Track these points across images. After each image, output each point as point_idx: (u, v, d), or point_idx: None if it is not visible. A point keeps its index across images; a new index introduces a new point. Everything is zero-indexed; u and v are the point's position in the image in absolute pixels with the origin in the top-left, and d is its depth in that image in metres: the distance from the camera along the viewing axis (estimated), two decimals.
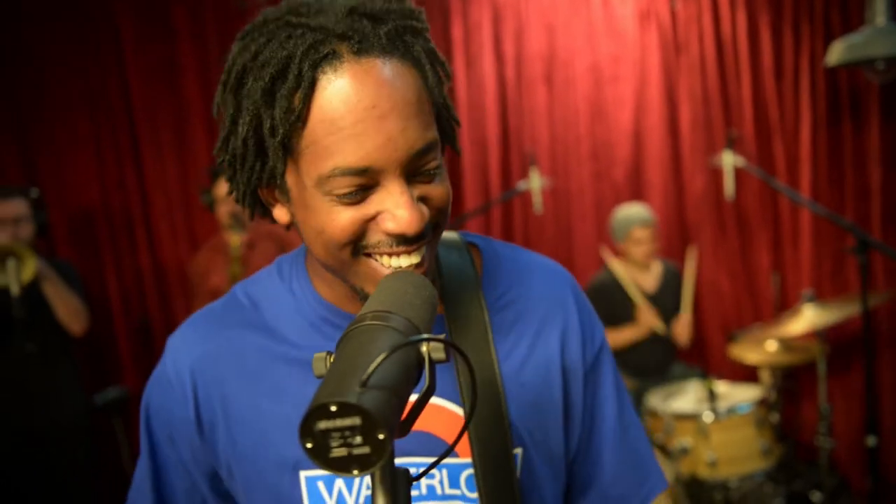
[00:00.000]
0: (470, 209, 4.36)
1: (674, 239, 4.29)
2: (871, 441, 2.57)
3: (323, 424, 0.57)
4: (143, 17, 3.98)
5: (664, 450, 3.08)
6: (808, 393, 3.87)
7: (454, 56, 4.48)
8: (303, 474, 0.89)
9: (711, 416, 2.91)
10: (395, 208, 0.76)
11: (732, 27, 4.05)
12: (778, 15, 3.91)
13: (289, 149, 0.78)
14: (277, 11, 0.79)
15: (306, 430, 0.57)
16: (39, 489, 3.00)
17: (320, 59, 0.75)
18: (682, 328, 3.60)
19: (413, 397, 0.65)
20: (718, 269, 4.19)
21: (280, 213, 0.86)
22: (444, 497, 0.89)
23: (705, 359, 4.16)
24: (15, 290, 2.39)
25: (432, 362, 0.63)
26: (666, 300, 3.69)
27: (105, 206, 3.98)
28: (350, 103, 0.74)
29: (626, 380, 3.50)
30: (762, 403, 3.01)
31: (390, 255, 0.80)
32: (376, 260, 0.81)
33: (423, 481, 0.89)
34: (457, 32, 4.45)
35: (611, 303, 3.58)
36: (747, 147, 4.01)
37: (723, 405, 2.95)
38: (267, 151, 0.79)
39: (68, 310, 2.97)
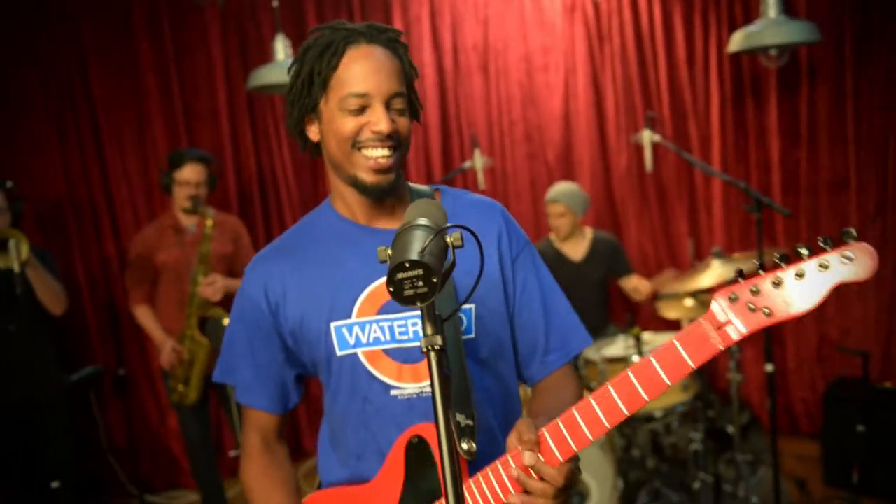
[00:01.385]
0: None
1: (602, 211, 4.69)
2: (769, 368, 3.03)
3: (400, 275, 0.96)
4: (103, 18, 4.16)
5: None
6: None
7: None
8: (332, 324, 1.34)
9: (638, 358, 3.33)
10: (377, 117, 1.27)
11: (650, 19, 4.40)
12: (689, 8, 4.29)
13: (325, 85, 1.29)
14: (330, 24, 1.34)
15: (390, 280, 0.97)
16: (23, 456, 3.21)
17: (348, 40, 1.29)
18: (635, 285, 4.03)
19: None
20: (642, 237, 4.61)
21: (313, 132, 1.36)
22: (420, 337, 1.28)
23: (634, 317, 4.58)
24: (17, 268, 2.60)
25: (453, 246, 1.04)
26: (593, 267, 4.06)
27: (71, 196, 4.15)
28: (361, 61, 1.28)
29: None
30: None
31: (373, 147, 1.29)
32: (365, 151, 1.29)
33: (409, 328, 1.33)
34: (398, 25, 4.73)
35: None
36: (665, 127, 4.42)
37: (647, 349, 3.38)
38: (313, 87, 1.30)
39: (50, 293, 3.18)
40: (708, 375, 3.88)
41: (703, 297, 3.76)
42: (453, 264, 1.04)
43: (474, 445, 1.24)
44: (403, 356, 1.32)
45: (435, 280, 0.95)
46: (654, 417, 3.38)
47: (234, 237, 3.61)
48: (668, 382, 1.08)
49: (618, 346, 3.53)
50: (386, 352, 1.33)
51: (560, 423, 1.15)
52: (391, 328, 1.32)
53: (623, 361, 3.36)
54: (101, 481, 4.17)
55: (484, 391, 1.36)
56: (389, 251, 1.02)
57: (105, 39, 4.17)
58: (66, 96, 4.13)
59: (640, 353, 3.32)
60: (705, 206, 4.42)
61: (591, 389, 3.51)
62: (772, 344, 4.08)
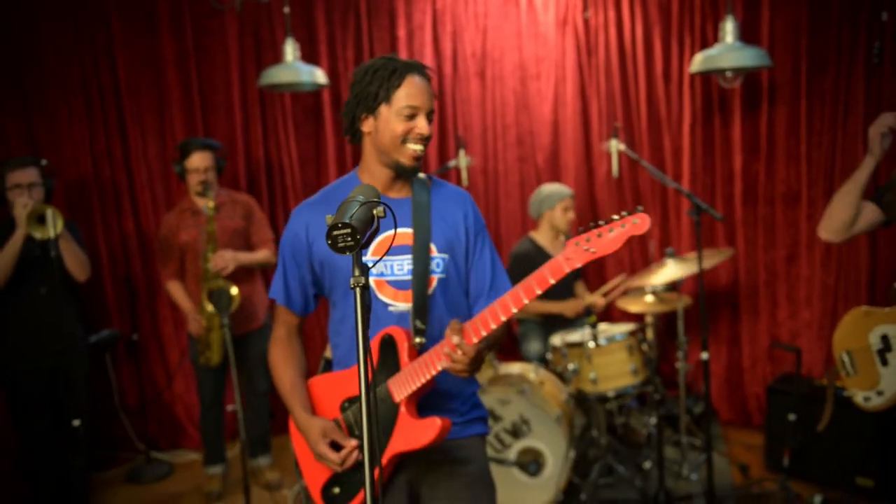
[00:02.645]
0: None
1: (584, 213, 5.05)
2: (704, 356, 3.41)
3: (335, 232, 1.41)
4: (131, 13, 4.56)
5: (562, 377, 3.88)
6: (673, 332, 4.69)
7: (399, 53, 5.15)
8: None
9: (593, 344, 3.72)
10: (422, 125, 1.88)
11: (632, 37, 4.75)
12: (667, 28, 4.63)
13: (387, 97, 1.86)
14: (385, 58, 1.91)
15: (328, 235, 1.41)
16: (48, 402, 3.64)
17: (407, 71, 1.87)
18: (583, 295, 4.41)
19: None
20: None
21: (367, 125, 1.91)
22: (411, 273, 1.93)
23: (608, 312, 4.94)
24: (53, 234, 3.01)
25: (378, 216, 1.49)
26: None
27: (96, 176, 4.55)
28: (417, 86, 1.87)
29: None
30: (632, 335, 3.83)
31: (415, 143, 1.88)
32: (409, 146, 1.88)
33: (404, 266, 1.93)
34: (401, 33, 5.11)
35: (533, 267, 4.29)
36: (642, 138, 4.78)
37: (603, 336, 3.77)
38: (379, 96, 1.86)
39: (76, 261, 3.60)
40: (656, 362, 4.24)
41: (661, 294, 4.15)
42: (377, 229, 1.51)
43: (424, 340, 1.90)
44: (398, 285, 1.94)
45: (359, 237, 1.41)
46: (607, 398, 3.77)
47: (247, 213, 4.00)
48: (538, 290, 1.71)
49: (579, 334, 3.91)
50: (388, 282, 1.94)
51: (476, 319, 1.79)
52: (391, 266, 1.93)
53: (580, 346, 3.75)
54: (112, 436, 4.59)
55: (448, 309, 1.99)
56: (332, 218, 1.47)
57: (132, 34, 4.56)
58: (95, 84, 4.51)
59: (595, 339, 3.71)
60: (675, 212, 4.78)
61: (557, 374, 3.90)
62: (721, 342, 4.47)
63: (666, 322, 4.76)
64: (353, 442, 1.89)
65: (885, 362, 2.52)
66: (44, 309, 3.54)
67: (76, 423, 3.09)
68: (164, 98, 4.65)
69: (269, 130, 4.92)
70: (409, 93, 1.84)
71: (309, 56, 4.70)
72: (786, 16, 4.22)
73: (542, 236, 4.38)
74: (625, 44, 4.81)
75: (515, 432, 3.55)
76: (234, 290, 3.72)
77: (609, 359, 3.72)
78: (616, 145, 3.65)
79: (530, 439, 3.54)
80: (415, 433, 1.85)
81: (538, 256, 4.28)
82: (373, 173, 1.94)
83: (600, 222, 1.62)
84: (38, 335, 3.58)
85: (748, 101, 4.42)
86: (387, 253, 1.89)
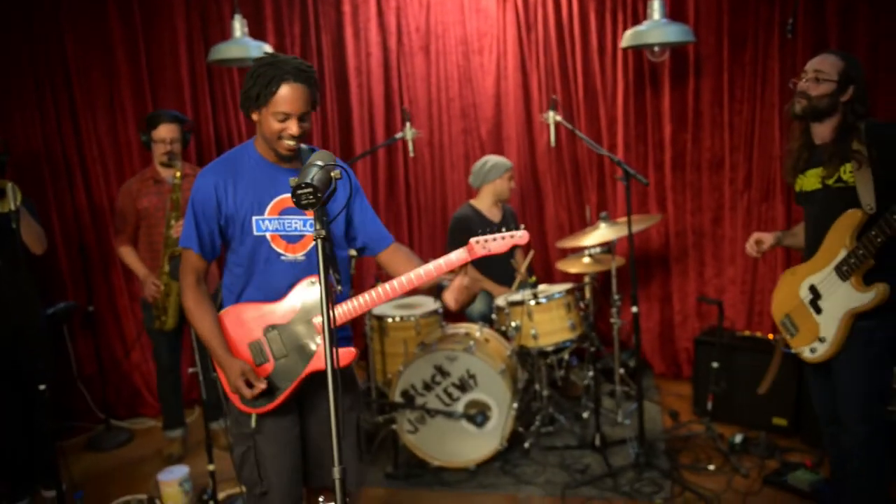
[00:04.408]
0: (357, 154, 5.23)
1: (527, 182, 5.30)
2: (634, 309, 3.69)
3: (299, 191, 1.64)
4: None
5: (505, 335, 4.14)
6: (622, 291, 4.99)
7: (344, 27, 5.28)
8: (253, 217, 2.31)
9: (534, 302, 3.99)
10: (292, 127, 2.22)
11: (569, 12, 4.97)
12: (601, 4, 4.86)
13: (265, 101, 2.20)
14: (270, 58, 2.22)
15: (294, 194, 1.65)
16: (7, 371, 3.73)
17: (282, 79, 2.18)
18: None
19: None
20: (558, 205, 5.24)
21: (254, 116, 2.26)
22: (300, 231, 2.34)
23: (549, 273, 5.22)
24: (13, 207, 3.10)
25: (335, 178, 1.73)
26: (509, 227, 4.66)
27: (47, 152, 4.59)
28: (288, 94, 2.19)
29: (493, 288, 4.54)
30: (570, 293, 4.11)
31: (287, 140, 2.23)
32: (282, 142, 2.24)
33: (293, 224, 2.33)
34: (346, 7, 5.25)
35: (472, 229, 4.54)
36: (580, 109, 5.03)
37: (542, 295, 4.04)
38: (259, 99, 2.20)
39: (34, 235, 3.67)
40: (593, 318, 4.54)
41: (598, 255, 4.43)
42: (335, 189, 1.78)
43: (341, 288, 2.29)
44: (289, 239, 2.34)
45: (320, 195, 1.69)
46: (547, 352, 4.05)
47: None
48: (443, 270, 2.27)
49: (519, 294, 4.16)
50: (281, 236, 2.33)
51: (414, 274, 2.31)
52: (284, 224, 2.33)
53: (522, 304, 4.01)
54: (71, 407, 4.70)
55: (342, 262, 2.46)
56: (296, 179, 1.72)
57: (80, 12, 4.59)
58: (43, 62, 4.54)
59: (535, 297, 3.97)
60: (611, 179, 5.05)
61: (501, 332, 4.15)
62: (654, 300, 4.77)
63: (602, 282, 5.06)
64: (263, 385, 2.29)
65: (818, 310, 2.72)
66: (3, 280, 3.61)
67: (42, 387, 3.20)
68: (114, 75, 4.70)
69: (218, 105, 5.02)
70: (282, 99, 2.17)
71: (256, 32, 4.81)
72: None
73: (481, 203, 4.62)
74: (562, 19, 5.03)
75: (462, 386, 3.79)
76: None
77: (548, 315, 4.00)
78: (553, 116, 3.87)
79: (476, 392, 3.79)
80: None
81: (477, 221, 4.53)
82: (265, 149, 2.33)
83: (496, 232, 2.27)
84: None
85: (676, 74, 4.70)
86: (280, 213, 2.31)
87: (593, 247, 4.31)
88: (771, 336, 4.25)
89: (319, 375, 2.34)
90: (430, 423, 3.83)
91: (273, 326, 2.35)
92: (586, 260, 4.42)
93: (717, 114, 4.61)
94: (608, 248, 4.51)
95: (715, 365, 4.02)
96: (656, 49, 4.18)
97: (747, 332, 4.35)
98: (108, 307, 4.80)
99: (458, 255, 2.26)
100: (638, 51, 4.73)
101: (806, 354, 2.80)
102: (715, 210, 4.74)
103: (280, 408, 2.36)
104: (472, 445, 3.82)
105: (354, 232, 2.53)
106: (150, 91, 4.78)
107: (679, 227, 4.86)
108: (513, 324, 4.02)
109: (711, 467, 3.72)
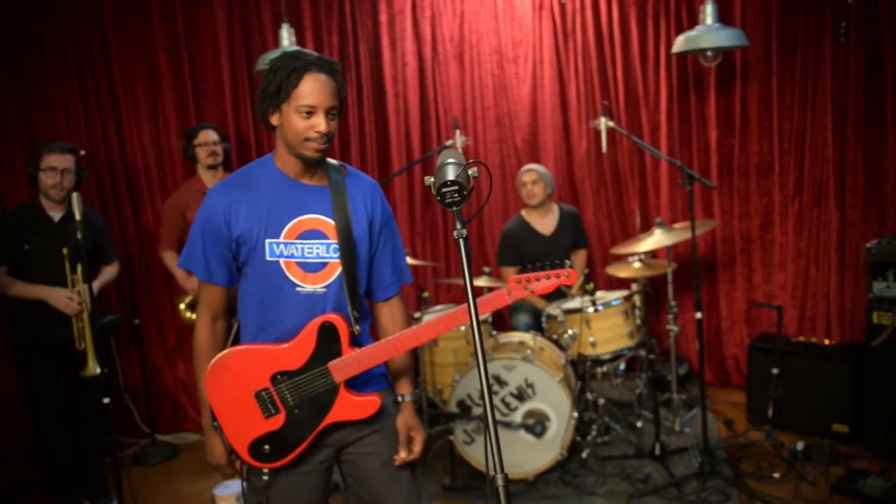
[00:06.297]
0: (395, 167, 5.20)
1: (564, 191, 5.27)
2: (698, 315, 3.66)
3: (444, 189, 1.51)
4: (122, 1, 4.58)
5: (557, 343, 4.09)
6: (665, 296, 4.93)
7: (381, 38, 5.25)
8: (266, 240, 2.03)
9: (592, 309, 3.95)
10: (319, 122, 1.96)
11: (609, 20, 4.96)
12: (643, 11, 4.86)
13: (288, 95, 1.95)
14: (294, 51, 2.00)
15: (438, 192, 1.52)
16: (60, 384, 3.72)
17: (306, 69, 1.95)
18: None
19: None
20: (598, 213, 5.21)
21: (274, 119, 2.01)
22: (321, 258, 2.07)
23: (593, 279, 5.17)
24: (78, 216, 3.06)
25: (472, 176, 1.59)
26: (562, 238, 4.64)
27: (92, 162, 4.53)
28: (312, 85, 1.95)
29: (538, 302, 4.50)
30: (627, 300, 4.07)
31: (314, 140, 1.97)
32: (309, 143, 1.98)
33: (314, 250, 2.06)
34: (383, 18, 5.23)
35: (518, 245, 4.54)
36: (620, 116, 5.01)
37: (600, 302, 4.00)
38: (280, 95, 1.96)
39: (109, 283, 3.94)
40: (649, 326, 4.51)
41: (648, 260, 4.40)
42: (472, 188, 1.60)
43: (360, 329, 2.13)
44: (306, 268, 2.06)
45: (465, 193, 1.52)
46: (604, 360, 4.00)
47: None
48: (483, 310, 1.97)
49: (576, 301, 4.13)
50: (298, 263, 2.05)
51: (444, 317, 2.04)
52: (302, 249, 2.05)
53: (579, 312, 3.96)
54: (118, 421, 4.64)
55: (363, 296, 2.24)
56: (432, 179, 1.60)
57: (124, 21, 4.58)
58: (89, 71, 4.52)
59: (593, 304, 3.93)
60: (653, 185, 5.03)
61: (553, 341, 4.11)
62: (702, 302, 4.72)
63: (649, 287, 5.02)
64: (231, 473, 2.18)
65: None
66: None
67: (106, 400, 3.16)
68: (157, 85, 4.69)
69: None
70: (306, 92, 1.93)
71: (295, 42, 4.78)
72: None
73: (529, 213, 4.61)
74: (601, 26, 5.02)
75: (521, 396, 3.74)
76: None
77: (606, 323, 3.96)
78: (606, 122, 3.85)
79: (535, 402, 3.74)
80: (357, 408, 2.10)
81: (528, 237, 4.53)
82: (285, 161, 2.06)
83: (541, 270, 2.01)
84: (48, 327, 3.62)
85: (722, 80, 4.68)
86: (298, 237, 2.04)
87: (638, 254, 4.29)
88: (827, 342, 4.21)
89: (351, 424, 2.14)
90: None
91: (283, 373, 2.07)
92: (637, 265, 4.38)
93: (766, 119, 4.58)
94: (653, 253, 4.48)
95: (775, 371, 3.98)
96: (709, 54, 4.15)
97: (802, 338, 4.31)
98: (151, 320, 4.76)
99: (497, 296, 2.03)
100: (682, 57, 4.71)
101: None
102: (764, 215, 4.70)
103: (299, 462, 2.12)
104: (531, 456, 3.76)
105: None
106: (193, 100, 4.76)
107: (726, 233, 4.82)
108: (569, 332, 3.97)
109: (776, 475, 3.66)
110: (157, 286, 4.75)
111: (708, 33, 3.95)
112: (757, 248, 4.76)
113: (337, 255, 2.06)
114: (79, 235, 3.05)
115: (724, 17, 4.42)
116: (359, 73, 5.26)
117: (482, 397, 1.44)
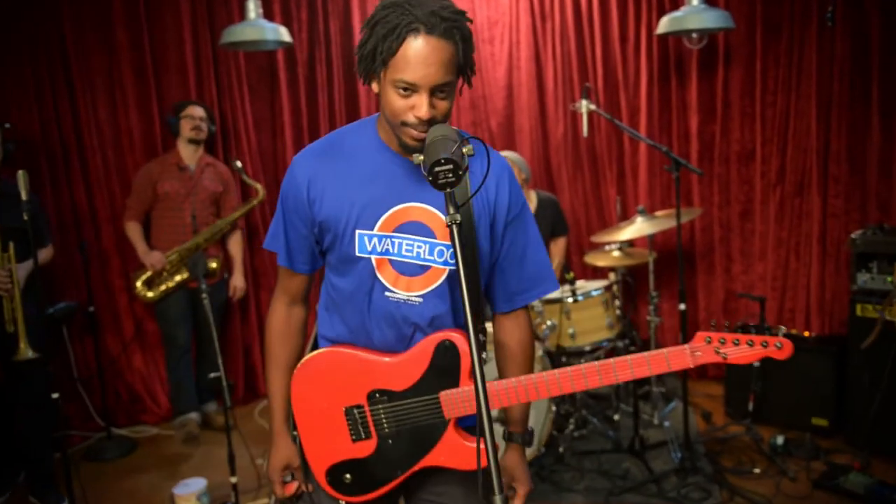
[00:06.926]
0: None
1: (540, 176, 5.13)
2: (681, 306, 3.54)
3: (437, 168, 1.32)
4: None
5: (536, 335, 3.94)
6: (645, 286, 4.82)
7: (353, 14, 5.04)
8: (357, 231, 1.64)
9: (571, 299, 3.81)
10: (421, 104, 1.48)
11: (588, 0, 4.84)
12: None
13: (385, 62, 1.49)
14: (400, 2, 1.47)
15: (429, 171, 1.32)
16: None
17: (410, 30, 1.45)
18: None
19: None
20: (575, 200, 5.07)
21: (375, 87, 1.56)
22: (423, 259, 1.64)
23: (570, 267, 5.04)
24: (24, 196, 2.81)
25: (468, 154, 1.37)
26: (540, 226, 4.46)
27: (45, 141, 4.25)
28: (415, 54, 1.45)
29: None
30: (608, 290, 3.94)
31: (413, 127, 1.51)
32: (407, 129, 1.52)
33: (415, 248, 1.63)
34: None
35: None
36: (598, 99, 4.88)
37: (580, 292, 3.86)
38: (375, 62, 1.50)
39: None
40: (630, 317, 4.39)
41: (628, 250, 4.27)
42: (467, 167, 1.38)
43: (488, 358, 1.64)
44: (402, 269, 1.64)
45: (461, 173, 1.33)
46: (584, 351, 3.87)
47: (224, 181, 4.35)
48: (651, 371, 1.56)
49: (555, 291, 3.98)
50: (391, 261, 1.64)
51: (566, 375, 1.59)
52: (400, 244, 1.63)
53: (559, 302, 3.82)
54: (71, 413, 4.39)
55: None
56: (421, 157, 1.40)
57: None
58: (41, 43, 4.21)
59: (573, 294, 3.80)
60: (632, 171, 4.91)
61: None
62: (677, 296, 4.63)
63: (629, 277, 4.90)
64: (296, 488, 1.82)
65: None
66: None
67: (55, 395, 2.93)
68: (114, 58, 4.40)
69: (224, 91, 4.75)
70: (405, 61, 1.45)
71: (262, 16, 4.54)
72: None
73: None
74: (581, 7, 4.88)
75: None
76: (214, 264, 4.27)
77: (586, 314, 3.82)
78: (587, 105, 3.70)
79: None
80: (462, 455, 1.67)
81: None
82: (388, 132, 1.64)
83: (744, 330, 1.57)
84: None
85: (704, 63, 4.55)
86: (396, 230, 1.63)
87: (618, 242, 4.16)
88: (807, 333, 4.14)
89: (438, 471, 1.72)
90: None
91: (383, 392, 1.68)
92: (616, 254, 4.25)
93: (748, 105, 4.47)
94: (630, 242, 4.36)
95: (756, 364, 3.88)
96: (694, 36, 4.02)
97: (782, 330, 4.22)
98: (107, 307, 4.50)
99: (676, 356, 1.56)
100: (663, 38, 4.58)
101: None
102: (744, 203, 4.60)
103: (380, 501, 1.77)
104: None
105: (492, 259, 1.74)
106: (153, 75, 4.49)
107: (705, 222, 4.72)
108: (548, 322, 3.83)
109: (756, 470, 3.58)
110: (114, 271, 4.49)
111: (694, 14, 3.82)
112: (736, 238, 4.67)
113: (442, 259, 1.64)
114: (25, 217, 2.81)
115: None
116: (329, 51, 5.05)
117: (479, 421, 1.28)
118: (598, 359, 4.12)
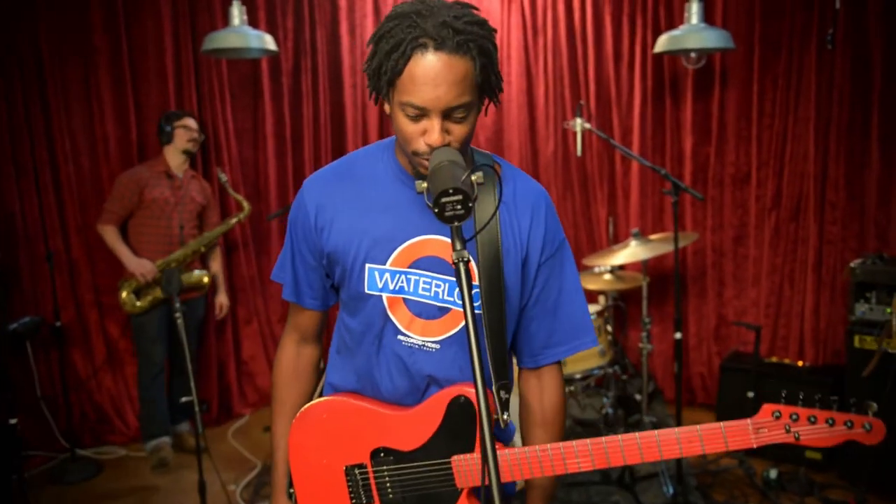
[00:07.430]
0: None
1: None
2: (677, 335, 3.41)
3: (444, 199, 1.15)
4: None
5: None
6: (636, 310, 4.71)
7: (340, 23, 4.92)
8: (367, 265, 1.47)
9: None
10: (432, 131, 1.30)
11: (582, 17, 4.74)
12: (618, 9, 4.63)
13: (391, 82, 1.31)
14: (409, 7, 1.31)
15: (436, 203, 1.16)
16: None
17: (416, 46, 1.27)
18: None
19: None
20: (564, 220, 4.95)
21: (386, 108, 1.39)
22: (442, 300, 1.46)
23: None
24: None
25: (476, 183, 1.20)
26: None
27: (14, 148, 4.04)
28: (422, 73, 1.27)
29: None
30: (600, 315, 3.81)
31: (427, 157, 1.33)
32: (419, 160, 1.36)
33: (433, 287, 1.45)
34: (342, 2, 4.92)
35: None
36: (590, 118, 4.77)
37: None
38: (381, 81, 1.33)
39: None
40: (622, 344, 4.26)
41: (619, 273, 4.14)
42: (476, 197, 1.20)
43: (509, 419, 1.43)
44: (418, 309, 1.46)
45: (470, 205, 1.16)
46: (574, 379, 3.73)
47: (207, 196, 4.26)
48: (704, 449, 1.36)
49: None
50: (405, 301, 1.46)
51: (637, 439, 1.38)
52: (416, 282, 1.45)
53: None
54: (32, 434, 4.16)
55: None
56: (425, 184, 1.23)
57: None
58: (13, 49, 4.00)
59: None
60: (623, 192, 4.79)
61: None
62: (673, 318, 4.51)
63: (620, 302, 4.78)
64: None
65: None
66: None
67: (13, 420, 2.75)
68: (91, 63, 4.21)
69: (205, 99, 4.58)
70: (412, 83, 1.28)
71: (247, 23, 4.39)
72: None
73: None
74: (574, 23, 4.80)
75: None
76: (206, 279, 4.18)
77: None
78: (582, 124, 3.58)
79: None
80: None
81: None
82: (402, 154, 1.47)
83: (823, 408, 1.32)
84: None
85: (700, 83, 4.46)
86: (412, 265, 1.45)
87: (610, 266, 4.03)
88: (800, 363, 4.04)
89: None
90: None
91: (388, 451, 1.50)
92: (607, 277, 4.12)
93: (744, 127, 4.37)
94: (620, 265, 4.24)
95: (751, 395, 3.76)
96: (692, 55, 3.91)
97: (775, 359, 4.12)
98: (75, 322, 4.28)
99: (736, 432, 1.36)
100: (658, 57, 4.48)
101: None
102: (738, 228, 4.49)
103: None
104: None
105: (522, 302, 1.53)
106: (132, 81, 4.30)
107: (698, 246, 4.60)
108: None
109: None
110: (83, 284, 4.28)
111: (694, 33, 3.72)
112: (729, 263, 4.55)
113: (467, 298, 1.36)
114: None
115: (704, 18, 4.19)
116: (315, 60, 4.91)
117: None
118: (588, 386, 4.01)
